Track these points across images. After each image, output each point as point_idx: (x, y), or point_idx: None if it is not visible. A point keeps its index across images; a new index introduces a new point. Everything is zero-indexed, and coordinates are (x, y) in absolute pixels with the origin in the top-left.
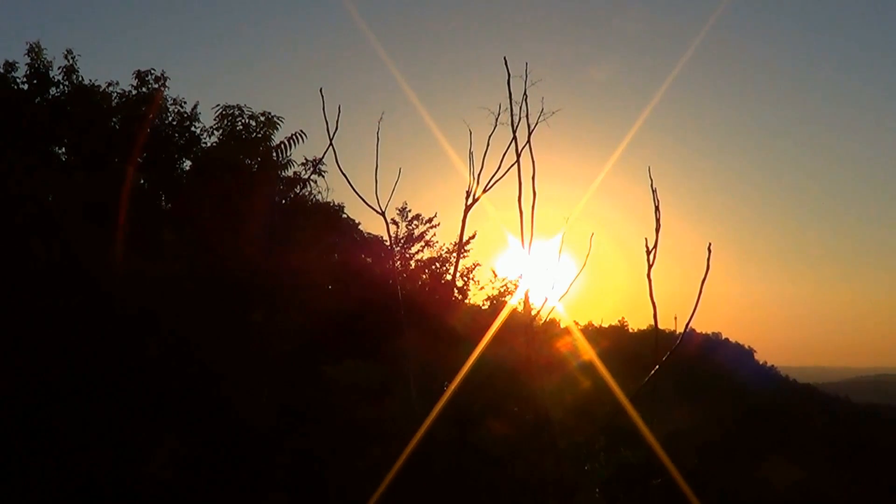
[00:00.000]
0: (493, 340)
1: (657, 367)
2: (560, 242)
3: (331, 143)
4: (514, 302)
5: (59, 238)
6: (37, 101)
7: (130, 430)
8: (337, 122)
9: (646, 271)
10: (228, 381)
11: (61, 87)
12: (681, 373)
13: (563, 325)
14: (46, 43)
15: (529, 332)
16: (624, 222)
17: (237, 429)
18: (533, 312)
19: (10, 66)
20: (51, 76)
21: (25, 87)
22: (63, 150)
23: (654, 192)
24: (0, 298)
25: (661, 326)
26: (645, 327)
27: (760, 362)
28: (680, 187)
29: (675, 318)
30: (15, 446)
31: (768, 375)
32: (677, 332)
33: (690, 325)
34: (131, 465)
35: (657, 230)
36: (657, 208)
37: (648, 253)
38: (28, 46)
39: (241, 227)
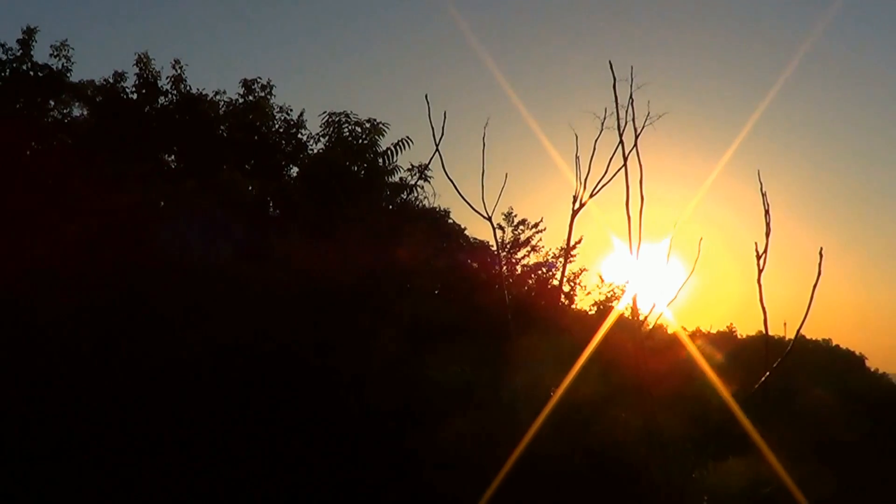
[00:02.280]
0: (600, 346)
1: (767, 373)
2: (668, 247)
3: (437, 149)
4: (621, 307)
5: (171, 245)
6: (146, 110)
7: (244, 435)
8: (443, 127)
9: (756, 276)
10: (335, 386)
11: (170, 96)
12: (789, 379)
13: (670, 331)
14: (154, 53)
15: (637, 337)
16: (734, 226)
17: (343, 433)
18: (641, 318)
19: (120, 76)
20: (159, 86)
21: (135, 96)
22: (172, 157)
23: (763, 195)
24: (120, 300)
25: (771, 332)
26: (754, 333)
27: (872, 369)
28: (792, 190)
29: (785, 324)
30: (143, 446)
31: (879, 383)
32: (787, 339)
33: (801, 331)
34: (252, 467)
35: (767, 234)
36: (767, 212)
37: (758, 257)
38: (136, 57)
39: (349, 233)
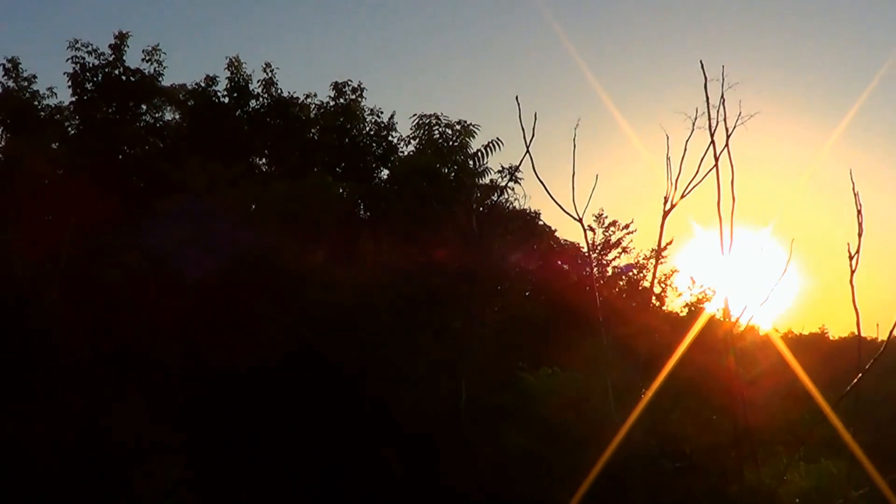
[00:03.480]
0: (691, 348)
1: (860, 375)
2: (761, 248)
3: (527, 150)
4: (713, 309)
5: (262, 246)
6: (237, 113)
7: (337, 434)
8: (533, 129)
9: (848, 277)
10: (425, 387)
11: (261, 99)
12: (882, 381)
13: (762, 333)
14: (245, 56)
15: (729, 340)
16: (827, 226)
17: (431, 433)
18: (732, 319)
19: (211, 80)
20: (250, 89)
21: (226, 100)
22: (263, 160)
23: (855, 195)
24: (214, 301)
25: (863, 334)
26: (846, 335)
27: None
28: (889, 190)
29: (878, 326)
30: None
31: None
32: (880, 340)
33: (894, 332)
34: (344, 467)
35: (860, 235)
36: (859, 212)
37: (851, 258)
38: (228, 61)
39: (439, 234)
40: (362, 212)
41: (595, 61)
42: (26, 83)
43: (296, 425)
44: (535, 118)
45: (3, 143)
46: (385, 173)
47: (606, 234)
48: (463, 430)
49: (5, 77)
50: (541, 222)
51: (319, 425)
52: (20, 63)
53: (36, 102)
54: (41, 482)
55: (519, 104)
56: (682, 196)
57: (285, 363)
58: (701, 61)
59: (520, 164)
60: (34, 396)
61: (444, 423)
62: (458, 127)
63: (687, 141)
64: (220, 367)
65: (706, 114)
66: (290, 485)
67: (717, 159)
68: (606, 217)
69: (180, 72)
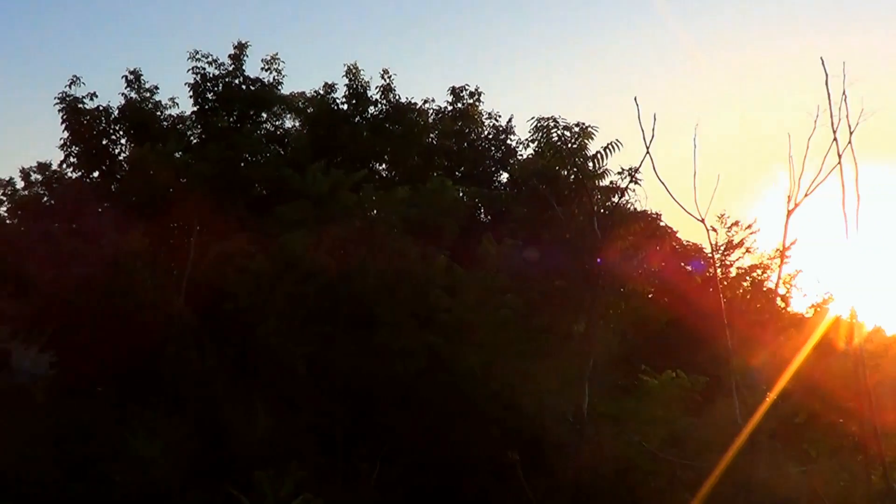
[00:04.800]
0: (816, 349)
1: None
2: (889, 247)
3: (647, 151)
4: (838, 310)
5: (383, 249)
6: (356, 120)
7: (461, 435)
8: (653, 130)
9: None
10: (548, 390)
11: (379, 105)
12: None
13: (889, 335)
14: (363, 63)
15: (855, 340)
16: None
17: (554, 435)
18: (859, 320)
19: (330, 87)
20: (368, 95)
21: (345, 106)
22: (383, 166)
23: None
24: (336, 306)
25: None
26: None
27: None
28: None
29: None
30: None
31: None
32: None
33: None
34: (469, 468)
35: None
36: None
37: None
38: (346, 68)
39: (560, 237)
40: (482, 215)
41: (713, 60)
42: (148, 94)
43: (420, 427)
44: (655, 119)
45: (126, 152)
46: (504, 177)
47: (729, 234)
48: (586, 433)
49: (128, 88)
50: (662, 224)
51: (443, 427)
52: (142, 75)
53: (158, 112)
54: (166, 485)
55: (638, 106)
56: (806, 194)
57: (409, 366)
58: (821, 58)
59: (640, 166)
60: (161, 402)
61: (567, 426)
62: (576, 129)
63: (809, 139)
64: (344, 372)
65: (828, 111)
66: (413, 486)
67: (840, 157)
68: (729, 217)
69: (299, 80)
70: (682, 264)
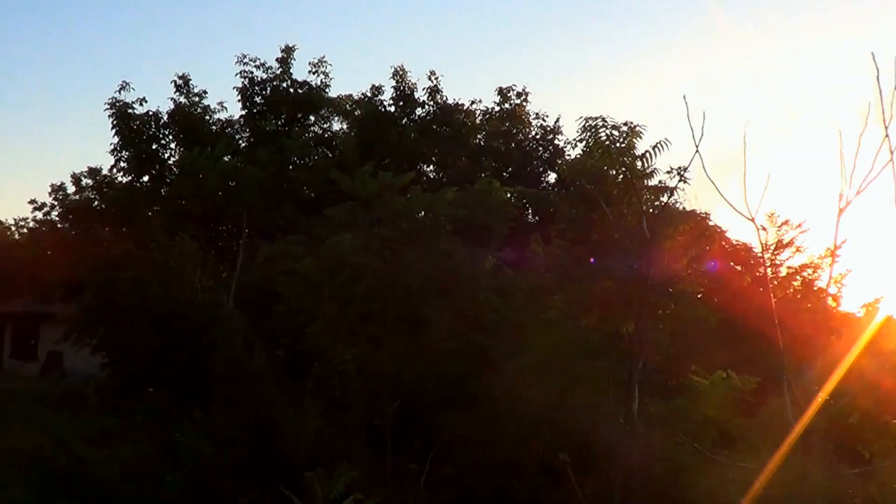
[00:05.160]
0: (868, 349)
1: None
2: None
3: (696, 150)
4: (890, 309)
5: (431, 251)
6: (404, 121)
7: (511, 437)
8: (702, 128)
9: None
10: (598, 391)
11: (426, 107)
12: None
13: None
14: (410, 66)
15: None
16: None
17: (604, 436)
18: None
19: (377, 89)
20: (415, 97)
21: (392, 108)
22: (431, 167)
23: None
24: (390, 308)
25: None
26: None
27: None
28: None
29: None
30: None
31: None
32: None
33: None
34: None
35: None
36: None
37: None
38: (393, 70)
39: (609, 237)
40: (530, 216)
41: (762, 56)
42: (197, 98)
43: (469, 428)
44: (704, 117)
45: (176, 156)
46: (552, 177)
47: (779, 233)
48: (637, 434)
49: (177, 93)
50: (711, 223)
51: (493, 427)
52: (191, 79)
53: (207, 117)
54: (217, 484)
55: (687, 103)
56: (858, 192)
57: (458, 367)
58: (872, 53)
59: (689, 165)
60: (212, 403)
61: (617, 427)
62: (624, 128)
63: (860, 136)
64: (393, 372)
65: (879, 106)
66: (463, 487)
67: (892, 154)
68: (779, 216)
69: (346, 83)
70: (732, 264)
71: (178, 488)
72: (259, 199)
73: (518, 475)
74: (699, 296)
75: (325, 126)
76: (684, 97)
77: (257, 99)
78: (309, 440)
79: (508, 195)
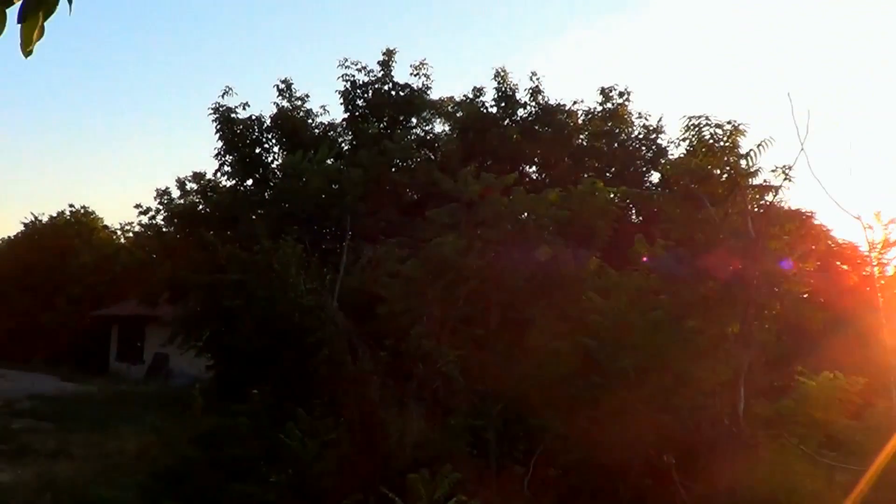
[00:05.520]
0: None
1: None
2: None
3: (801, 148)
4: None
5: (535, 252)
6: (505, 122)
7: (616, 437)
8: (807, 125)
9: None
10: (703, 392)
11: (528, 107)
12: None
13: None
14: (511, 66)
15: None
16: None
17: (709, 438)
18: None
19: (479, 91)
20: (517, 98)
21: (494, 110)
22: (533, 168)
23: None
24: (489, 309)
25: None
26: None
27: None
28: None
29: None
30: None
31: None
32: None
33: None
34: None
35: None
36: None
37: None
38: (494, 71)
39: (714, 237)
40: (634, 216)
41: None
42: (299, 102)
43: (573, 429)
44: (809, 115)
45: (279, 160)
46: (655, 177)
47: (886, 231)
48: (742, 435)
49: (279, 97)
50: (817, 222)
51: (597, 429)
52: (293, 83)
53: (309, 120)
54: (321, 485)
55: (791, 101)
56: None
57: (561, 368)
58: None
59: (794, 163)
60: (316, 405)
61: (722, 428)
62: (727, 127)
63: None
64: (496, 374)
65: None
66: (567, 488)
67: None
68: (885, 214)
69: (448, 84)
70: (838, 263)
71: (282, 489)
72: (362, 202)
73: (622, 477)
74: (805, 296)
75: (426, 128)
76: (788, 95)
77: (359, 102)
78: (412, 441)
79: (611, 195)
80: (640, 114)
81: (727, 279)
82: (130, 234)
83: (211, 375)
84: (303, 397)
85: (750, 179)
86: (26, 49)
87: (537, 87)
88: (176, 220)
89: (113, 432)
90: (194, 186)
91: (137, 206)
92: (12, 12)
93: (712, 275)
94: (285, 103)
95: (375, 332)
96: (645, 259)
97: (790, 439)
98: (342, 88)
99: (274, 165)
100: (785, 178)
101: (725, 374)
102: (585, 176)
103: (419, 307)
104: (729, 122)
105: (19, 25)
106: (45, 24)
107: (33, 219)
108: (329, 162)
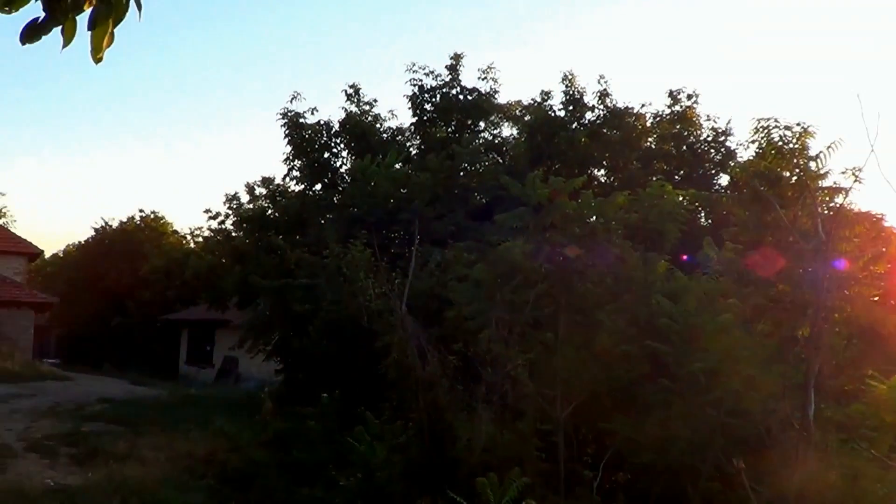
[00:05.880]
0: None
1: None
2: None
3: (871, 149)
4: None
5: (603, 256)
6: (573, 126)
7: (686, 441)
8: (877, 127)
9: None
10: (771, 396)
11: (596, 111)
12: None
13: None
14: (579, 69)
15: None
16: None
17: (778, 443)
18: None
19: (546, 94)
20: (585, 101)
21: (562, 113)
22: (601, 171)
23: None
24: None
25: None
26: None
27: None
28: None
29: None
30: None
31: None
32: None
33: None
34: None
35: None
36: None
37: None
38: (562, 74)
39: (783, 240)
40: (703, 219)
41: None
42: (367, 107)
43: (642, 433)
44: (879, 116)
45: (347, 164)
46: (724, 179)
47: None
48: (812, 440)
49: (348, 102)
50: (887, 224)
51: (666, 433)
52: (360, 88)
53: (377, 125)
54: (389, 489)
55: (860, 101)
56: None
57: (630, 372)
58: None
59: (864, 165)
60: (385, 408)
61: (793, 432)
62: (797, 129)
63: None
64: (565, 377)
65: None
66: (636, 493)
67: None
68: None
69: (515, 88)
70: None
71: (350, 493)
72: (430, 206)
73: (692, 481)
74: (875, 298)
75: (494, 132)
76: (857, 95)
77: (427, 106)
78: (481, 445)
79: (680, 198)
80: (708, 116)
81: (797, 282)
82: (200, 239)
83: (280, 379)
84: (371, 401)
85: (819, 181)
86: (96, 56)
87: (605, 90)
88: (245, 225)
89: (182, 435)
90: (263, 191)
91: (207, 210)
92: (82, 19)
93: (782, 278)
94: (353, 108)
95: (444, 335)
96: (714, 262)
97: (860, 443)
98: (410, 93)
99: (342, 170)
100: (855, 180)
101: (795, 378)
102: (654, 179)
103: (488, 311)
104: (798, 124)
105: (89, 32)
106: (115, 30)
107: (104, 224)
108: (397, 166)
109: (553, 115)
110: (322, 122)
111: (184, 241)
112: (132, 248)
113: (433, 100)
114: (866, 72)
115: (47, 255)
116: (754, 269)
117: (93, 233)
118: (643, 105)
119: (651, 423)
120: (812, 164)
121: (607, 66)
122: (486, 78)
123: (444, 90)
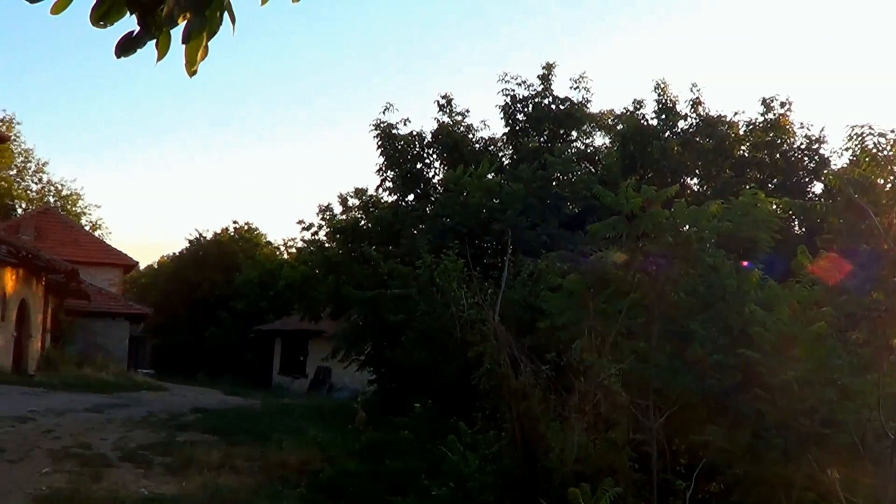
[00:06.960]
0: None
1: None
2: None
3: None
4: None
5: (696, 264)
6: (666, 135)
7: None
8: None
9: None
10: (865, 405)
11: (689, 119)
12: None
13: None
14: (671, 78)
15: None
16: None
17: (869, 453)
18: None
19: (639, 103)
20: (677, 110)
21: (654, 122)
22: (694, 180)
23: None
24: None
25: None
26: None
27: None
28: None
29: None
30: None
31: None
32: None
33: None
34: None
35: None
36: None
37: None
38: (654, 83)
39: (878, 248)
40: (796, 227)
41: None
42: (460, 117)
43: (735, 443)
44: None
45: (440, 175)
46: (818, 187)
47: None
48: (878, 447)
49: (440, 113)
50: None
51: (760, 442)
52: (453, 99)
53: (469, 135)
54: (482, 499)
55: None
56: None
57: (724, 381)
58: None
59: None
60: (478, 418)
61: (887, 443)
62: (891, 136)
63: None
64: (658, 387)
65: None
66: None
67: None
68: None
69: (608, 97)
70: None
71: (442, 502)
72: (522, 216)
73: (785, 492)
74: None
75: (587, 141)
76: None
77: (519, 116)
78: (573, 455)
79: (773, 207)
80: (802, 124)
81: (892, 290)
82: (293, 250)
83: (373, 389)
84: (464, 411)
85: None
86: (191, 69)
87: (698, 98)
88: (338, 236)
89: (275, 445)
90: (356, 202)
91: (300, 221)
92: (176, 33)
93: (876, 286)
94: (446, 118)
95: (536, 345)
96: (808, 270)
97: None
98: (502, 103)
99: (435, 180)
100: None
101: (890, 387)
102: (747, 187)
103: (580, 321)
104: (893, 131)
105: (184, 46)
106: (209, 43)
107: (198, 235)
108: (490, 176)
109: (645, 123)
110: (414, 133)
111: (277, 252)
112: (226, 259)
113: (525, 109)
114: None
115: (142, 266)
116: (849, 277)
117: (187, 244)
118: (736, 113)
119: (744, 433)
120: None
121: (700, 73)
122: (578, 87)
123: (536, 100)
